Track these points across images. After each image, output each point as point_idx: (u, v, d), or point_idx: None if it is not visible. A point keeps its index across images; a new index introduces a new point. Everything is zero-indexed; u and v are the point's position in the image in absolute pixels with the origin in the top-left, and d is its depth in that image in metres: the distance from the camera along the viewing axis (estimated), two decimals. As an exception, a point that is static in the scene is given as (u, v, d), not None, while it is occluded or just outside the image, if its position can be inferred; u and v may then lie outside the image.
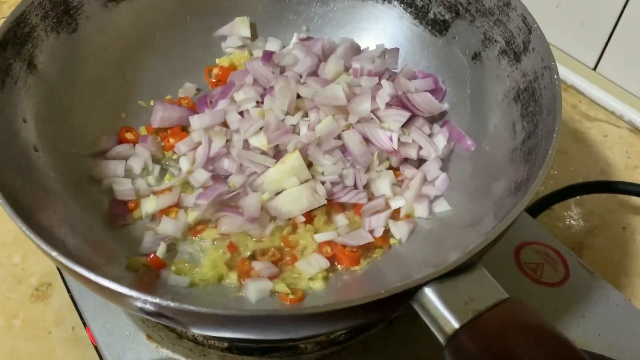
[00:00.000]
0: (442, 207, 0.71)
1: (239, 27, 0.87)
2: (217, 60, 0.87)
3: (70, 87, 0.75)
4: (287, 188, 0.71)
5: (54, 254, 0.50)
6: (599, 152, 0.92)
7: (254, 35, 0.89)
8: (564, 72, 0.99)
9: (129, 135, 0.78)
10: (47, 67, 0.72)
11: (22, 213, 0.54)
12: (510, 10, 0.72)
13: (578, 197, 0.86)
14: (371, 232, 0.69)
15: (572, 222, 0.85)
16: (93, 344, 0.69)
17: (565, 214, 0.86)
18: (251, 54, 0.87)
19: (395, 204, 0.71)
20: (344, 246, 0.68)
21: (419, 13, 0.83)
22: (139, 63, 0.83)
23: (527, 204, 0.54)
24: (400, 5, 0.85)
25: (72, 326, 0.74)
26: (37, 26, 0.71)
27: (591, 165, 0.91)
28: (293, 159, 0.71)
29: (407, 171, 0.74)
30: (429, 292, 0.48)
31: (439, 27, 0.82)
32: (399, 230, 0.69)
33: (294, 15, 0.89)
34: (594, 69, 0.98)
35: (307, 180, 0.71)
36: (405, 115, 0.75)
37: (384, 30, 0.87)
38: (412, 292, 0.48)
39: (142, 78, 0.83)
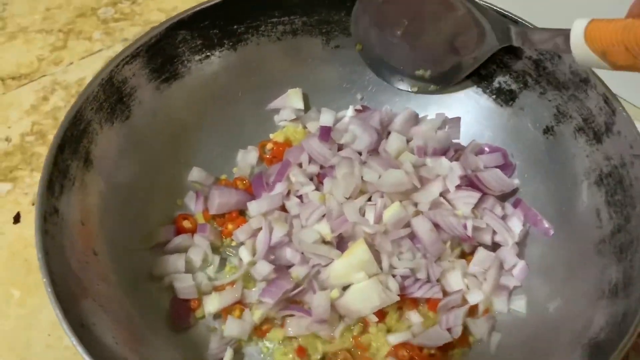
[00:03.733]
0: (519, 304, 0.67)
1: (292, 99, 0.84)
2: (271, 135, 0.84)
3: (125, 176, 0.73)
4: (355, 283, 0.67)
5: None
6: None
7: (307, 106, 0.85)
8: None
9: (186, 224, 0.75)
10: (102, 160, 0.70)
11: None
12: (589, 88, 0.68)
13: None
14: (448, 330, 0.65)
15: None
16: None
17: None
18: (305, 127, 0.84)
19: (473, 298, 0.67)
20: (421, 348, 0.64)
21: (482, 81, 0.79)
22: (192, 143, 0.80)
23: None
24: (462, 73, 0.80)
25: None
26: (92, 120, 0.69)
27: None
28: (360, 252, 0.67)
29: (481, 256, 0.70)
30: None
31: (504, 97, 0.78)
32: (479, 328, 0.65)
33: (348, 83, 0.86)
34: None
35: (376, 274, 0.67)
36: (476, 196, 0.71)
37: (444, 98, 0.83)
38: None
39: (196, 159, 0.80)
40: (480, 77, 0.79)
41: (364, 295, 0.66)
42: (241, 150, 0.82)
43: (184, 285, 0.69)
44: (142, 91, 0.75)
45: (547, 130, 0.73)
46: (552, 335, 0.61)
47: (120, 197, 0.71)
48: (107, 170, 0.70)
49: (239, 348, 0.67)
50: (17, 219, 0.79)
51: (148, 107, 0.76)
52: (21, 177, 0.82)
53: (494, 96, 0.78)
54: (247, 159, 0.81)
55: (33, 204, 0.74)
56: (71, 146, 0.66)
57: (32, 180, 0.82)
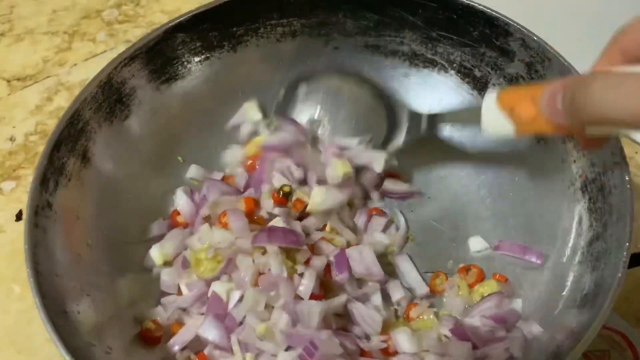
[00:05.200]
0: None
1: (249, 113, 0.84)
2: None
3: (123, 173, 0.76)
4: None
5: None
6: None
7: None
8: None
9: (180, 219, 0.77)
10: (100, 157, 0.73)
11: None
12: (577, 92, 0.67)
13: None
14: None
15: (631, 289, 0.75)
16: None
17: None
18: None
19: None
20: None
21: (477, 84, 0.79)
22: (191, 141, 0.83)
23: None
24: (457, 75, 0.80)
25: None
26: (90, 119, 0.72)
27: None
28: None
29: None
30: None
31: (498, 99, 0.77)
32: None
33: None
34: None
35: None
36: None
37: (440, 100, 0.83)
38: None
39: (195, 156, 0.83)
40: (474, 79, 0.79)
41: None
42: (227, 150, 0.83)
43: (167, 278, 0.71)
44: (142, 91, 0.78)
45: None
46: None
47: (117, 193, 0.74)
48: (105, 167, 0.73)
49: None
50: (19, 216, 0.83)
51: (148, 107, 0.79)
52: (24, 176, 0.86)
53: (488, 99, 0.78)
54: (233, 157, 0.83)
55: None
56: (68, 144, 0.69)
57: (35, 179, 0.85)
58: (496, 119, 0.58)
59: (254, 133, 0.83)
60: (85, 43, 0.97)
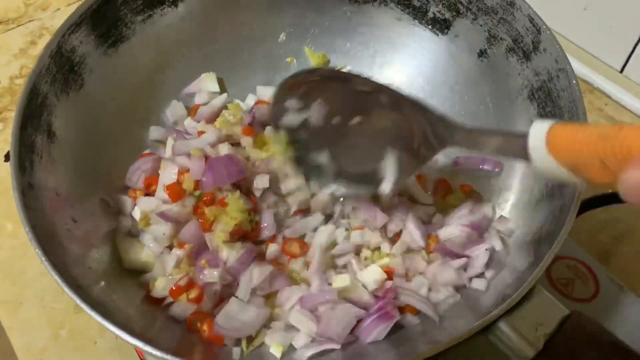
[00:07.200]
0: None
1: (206, 83, 0.85)
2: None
3: (89, 144, 0.74)
4: None
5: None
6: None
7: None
8: (590, 75, 0.98)
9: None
10: (64, 131, 0.71)
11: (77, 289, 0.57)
12: (515, 10, 0.73)
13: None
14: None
15: (597, 229, 0.84)
16: (138, 355, 0.72)
17: (590, 221, 0.84)
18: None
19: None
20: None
21: (418, 13, 0.84)
22: (148, 103, 0.82)
23: (570, 228, 0.57)
24: (397, 7, 0.85)
25: (116, 336, 0.74)
26: (48, 93, 0.70)
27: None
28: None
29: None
30: (502, 326, 0.52)
31: (439, 26, 0.83)
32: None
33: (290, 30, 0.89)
34: (621, 71, 0.97)
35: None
36: None
37: (382, 34, 0.87)
38: (487, 328, 0.52)
39: (155, 117, 0.83)
40: (414, 9, 0.83)
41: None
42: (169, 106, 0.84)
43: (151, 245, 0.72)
44: (91, 58, 0.76)
45: (482, 54, 0.79)
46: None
47: (87, 165, 0.73)
48: (71, 140, 0.72)
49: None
50: (7, 157, 0.85)
51: (99, 74, 0.77)
52: (11, 118, 0.82)
53: (430, 26, 0.83)
54: (175, 114, 0.83)
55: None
56: (33, 121, 0.67)
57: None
58: (548, 164, 0.48)
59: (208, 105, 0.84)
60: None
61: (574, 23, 0.90)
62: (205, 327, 0.66)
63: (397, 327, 0.65)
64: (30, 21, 0.92)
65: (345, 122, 0.68)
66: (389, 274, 0.68)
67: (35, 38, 0.91)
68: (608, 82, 0.97)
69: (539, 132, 0.48)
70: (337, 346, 0.62)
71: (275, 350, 0.64)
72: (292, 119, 0.69)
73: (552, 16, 0.71)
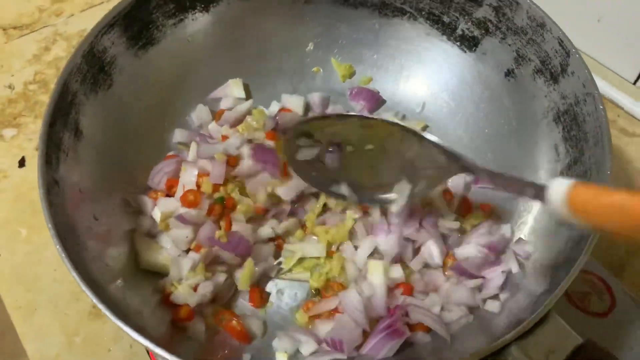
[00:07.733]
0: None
1: (232, 89, 0.86)
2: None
3: (114, 143, 0.76)
4: None
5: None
6: (637, 169, 0.89)
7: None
8: (603, 86, 0.97)
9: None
10: (90, 129, 0.72)
11: (95, 287, 0.58)
12: (545, 31, 0.73)
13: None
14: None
15: (611, 242, 0.82)
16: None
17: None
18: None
19: None
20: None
21: (447, 29, 0.83)
22: (174, 106, 0.83)
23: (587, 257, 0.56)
24: (427, 22, 0.85)
25: (130, 344, 0.75)
26: (77, 92, 0.71)
27: (629, 182, 0.88)
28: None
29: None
30: (514, 351, 0.51)
31: (468, 43, 0.82)
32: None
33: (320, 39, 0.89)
34: (634, 83, 0.96)
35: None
36: None
37: (409, 48, 0.87)
38: (499, 351, 0.51)
39: (180, 120, 0.84)
40: (443, 25, 0.83)
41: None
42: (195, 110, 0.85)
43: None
44: (121, 59, 0.77)
45: (508, 73, 0.79)
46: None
47: (111, 164, 0.74)
48: (96, 138, 0.73)
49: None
50: (22, 163, 0.85)
51: (128, 74, 0.78)
52: (25, 124, 0.86)
53: (458, 43, 0.83)
54: (200, 118, 0.84)
55: (36, 149, 0.76)
56: (61, 119, 0.68)
57: (36, 127, 0.86)
58: (567, 217, 0.50)
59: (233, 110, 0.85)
60: (81, -6, 0.96)
61: (587, 34, 0.89)
62: (234, 323, 0.68)
63: (407, 344, 0.64)
64: (44, 27, 0.93)
65: (359, 149, 0.72)
66: (406, 289, 0.68)
67: (49, 44, 0.92)
68: (621, 93, 0.97)
69: (559, 188, 0.49)
70: (344, 356, 0.62)
71: (281, 357, 0.64)
72: (306, 154, 0.72)
73: (566, 27, 0.71)
